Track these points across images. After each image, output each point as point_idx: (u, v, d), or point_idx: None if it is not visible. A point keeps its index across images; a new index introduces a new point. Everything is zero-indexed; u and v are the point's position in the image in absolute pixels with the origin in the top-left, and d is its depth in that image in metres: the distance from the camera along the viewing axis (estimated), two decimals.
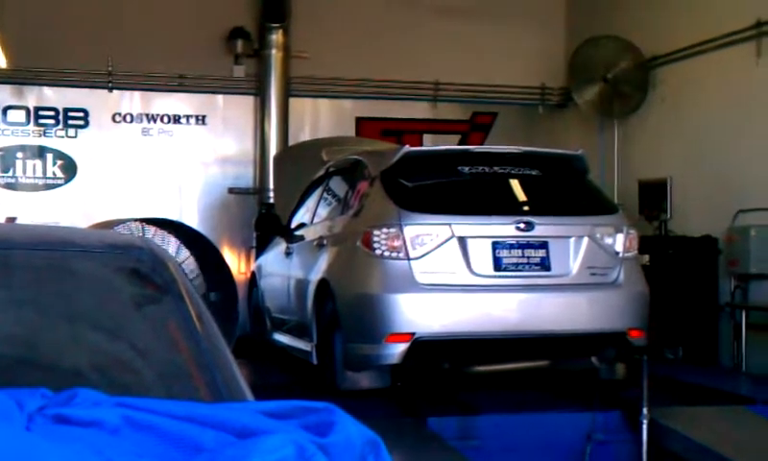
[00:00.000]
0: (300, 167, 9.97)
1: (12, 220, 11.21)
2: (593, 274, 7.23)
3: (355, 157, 8.28)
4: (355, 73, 13.17)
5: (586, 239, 7.22)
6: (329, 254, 7.62)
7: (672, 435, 6.70)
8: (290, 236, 8.87)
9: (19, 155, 12.80)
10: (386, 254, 6.94)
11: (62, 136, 12.88)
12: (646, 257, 8.40)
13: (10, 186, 12.74)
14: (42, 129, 12.85)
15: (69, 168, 12.86)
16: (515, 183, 7.54)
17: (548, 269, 7.13)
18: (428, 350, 6.92)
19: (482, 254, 7.01)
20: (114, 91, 12.97)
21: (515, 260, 7.08)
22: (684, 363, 9.90)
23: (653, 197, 11.01)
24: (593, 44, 12.17)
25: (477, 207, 7.28)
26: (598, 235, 7.29)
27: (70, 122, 12.89)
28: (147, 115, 13.10)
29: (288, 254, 8.82)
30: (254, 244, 12.10)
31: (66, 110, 12.89)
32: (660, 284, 8.64)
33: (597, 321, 7.23)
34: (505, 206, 7.36)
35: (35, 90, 12.87)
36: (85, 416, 1.69)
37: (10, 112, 12.81)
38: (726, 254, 10.16)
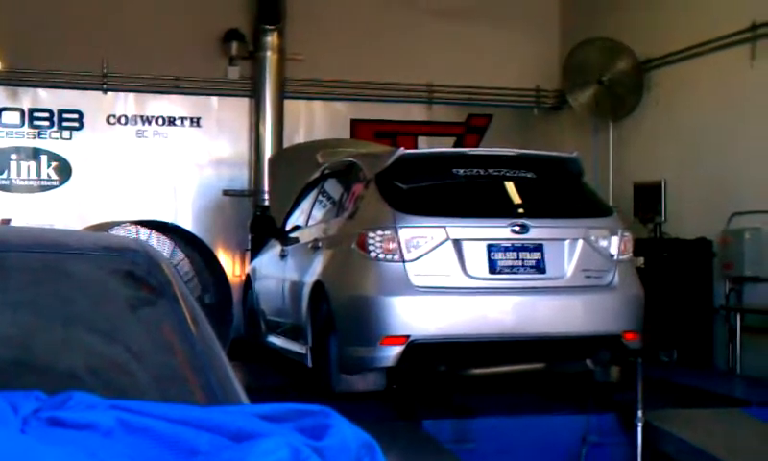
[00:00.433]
0: (294, 169, 9.97)
1: (6, 222, 11.20)
2: (588, 276, 7.23)
3: (350, 159, 8.28)
4: (350, 75, 13.17)
5: (580, 242, 7.22)
6: (324, 257, 7.61)
7: (667, 437, 6.71)
8: (285, 239, 8.87)
9: (14, 156, 12.78)
10: (381, 256, 6.93)
11: (57, 138, 12.86)
12: (641, 260, 8.40)
13: (4, 188, 12.72)
14: (37, 130, 12.83)
15: (64, 170, 12.85)
16: (509, 186, 7.54)
17: (543, 271, 7.14)
18: (423, 352, 6.92)
19: (477, 257, 7.01)
20: (109, 93, 12.95)
21: (509, 263, 7.08)
22: (679, 366, 9.89)
23: (647, 199, 11.02)
24: (588, 47, 12.19)
25: (472, 210, 7.28)
26: (593, 238, 7.29)
27: (65, 124, 12.87)
28: (141, 117, 13.09)
29: (283, 256, 8.81)
30: (249, 246, 12.10)
31: (61, 112, 12.88)
32: (654, 287, 8.65)
33: (592, 323, 7.23)
34: (500, 209, 7.36)
35: (29, 92, 12.85)
36: (80, 419, 1.69)
37: (4, 114, 12.78)
38: (720, 257, 10.18)
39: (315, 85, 13.23)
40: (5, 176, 12.74)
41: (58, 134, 12.86)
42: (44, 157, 12.82)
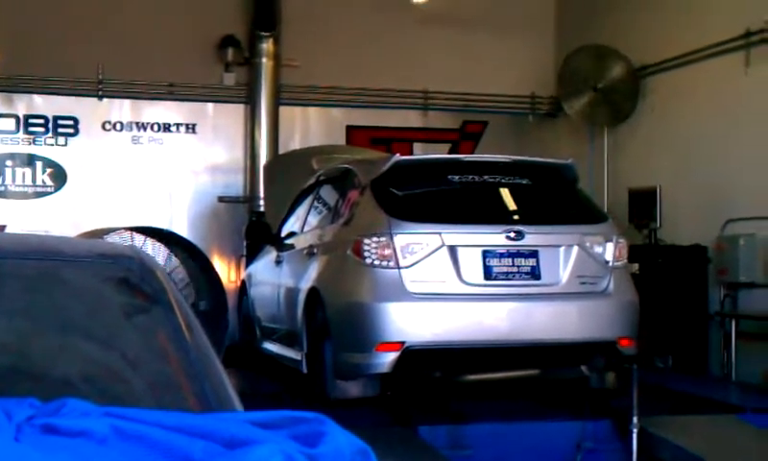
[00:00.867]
0: (290, 176, 9.97)
1: (1, 228, 11.18)
2: (583, 283, 7.24)
3: (345, 165, 8.28)
4: (346, 81, 13.18)
5: (575, 248, 7.23)
6: (319, 263, 7.61)
7: (662, 444, 6.71)
8: (280, 245, 8.87)
9: (9, 163, 12.77)
10: (376, 262, 6.93)
11: (52, 144, 12.85)
12: (636, 266, 8.42)
13: None
14: (32, 137, 12.82)
15: (59, 176, 12.84)
16: (505, 192, 7.54)
17: (538, 278, 7.14)
18: (419, 358, 6.92)
19: (472, 263, 7.01)
20: (104, 99, 12.96)
21: (505, 269, 7.09)
22: (674, 372, 9.92)
23: (642, 206, 11.04)
24: (583, 53, 12.21)
25: (467, 216, 7.29)
26: (588, 244, 7.30)
27: (60, 130, 12.87)
28: (137, 123, 13.09)
29: (278, 262, 8.81)
30: (244, 252, 12.09)
31: (56, 118, 12.87)
32: (649, 293, 8.66)
33: (587, 330, 7.24)
34: (495, 215, 7.37)
35: (24, 98, 12.85)
36: (74, 426, 1.68)
37: None
38: (715, 263, 10.19)
39: (310, 92, 13.25)
40: (0, 182, 12.72)
41: (53, 141, 12.86)
42: (39, 164, 12.82)
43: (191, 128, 13.24)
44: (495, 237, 7.10)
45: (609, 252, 7.34)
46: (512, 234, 7.09)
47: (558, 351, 7.27)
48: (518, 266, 7.12)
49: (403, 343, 6.83)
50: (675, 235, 10.69)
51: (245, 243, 12.01)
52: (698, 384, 9.12)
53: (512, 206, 7.51)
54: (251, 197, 12.94)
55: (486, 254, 7.06)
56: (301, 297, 7.73)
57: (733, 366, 9.68)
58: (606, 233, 7.44)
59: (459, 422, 6.89)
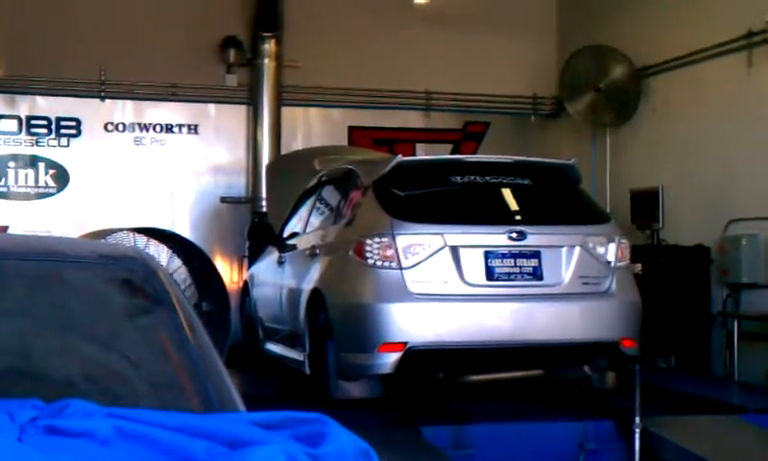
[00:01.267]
0: (292, 176, 9.97)
1: (3, 229, 11.20)
2: (585, 283, 7.23)
3: (348, 166, 8.28)
4: (347, 82, 13.19)
5: (578, 249, 7.22)
6: (322, 264, 7.61)
7: (664, 444, 6.71)
8: (282, 246, 8.87)
9: (11, 164, 12.79)
10: (378, 263, 6.93)
11: (55, 146, 12.87)
12: (638, 267, 8.41)
13: (2, 195, 12.73)
14: (35, 138, 12.84)
15: (61, 177, 12.85)
16: (507, 193, 7.54)
17: (540, 278, 7.13)
18: (421, 359, 6.91)
19: (474, 264, 7.00)
20: (107, 100, 12.97)
21: (507, 270, 7.08)
22: (677, 372, 9.91)
23: (645, 206, 11.04)
24: (585, 54, 12.21)
25: (469, 217, 7.29)
26: (590, 245, 7.29)
27: (62, 131, 12.88)
28: (139, 124, 13.10)
29: (281, 263, 8.81)
30: (247, 253, 12.10)
31: (59, 120, 12.88)
32: (652, 293, 8.65)
33: (589, 330, 7.23)
34: (497, 216, 7.36)
35: (27, 99, 12.86)
36: (77, 427, 1.69)
37: (2, 122, 12.80)
38: (717, 264, 10.19)
39: (312, 93, 13.25)
40: (2, 183, 12.74)
41: (55, 142, 12.87)
42: (42, 165, 12.83)
43: (193, 129, 13.25)
44: (498, 238, 7.10)
45: (611, 252, 7.33)
46: (514, 235, 7.09)
47: (560, 351, 7.27)
48: (521, 267, 7.11)
49: (406, 343, 6.82)
50: (677, 236, 10.69)
51: (247, 244, 12.02)
52: (700, 384, 9.11)
53: (514, 206, 7.51)
54: (253, 198, 12.94)
55: (488, 255, 7.06)
56: (304, 297, 7.73)
57: (736, 366, 9.67)
58: (608, 234, 7.43)
59: (462, 422, 6.89)
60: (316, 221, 8.49)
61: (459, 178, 7.43)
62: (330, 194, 8.49)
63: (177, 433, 1.69)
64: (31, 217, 12.49)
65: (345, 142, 13.30)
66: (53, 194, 12.84)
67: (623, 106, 12.04)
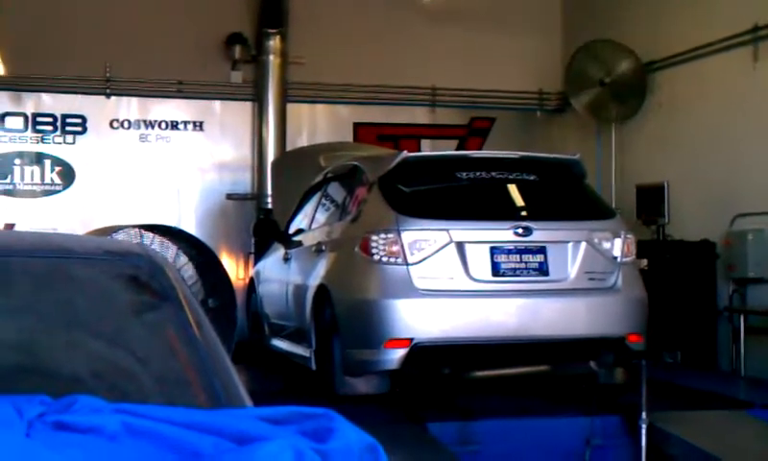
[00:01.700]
0: (297, 173, 9.97)
1: (10, 227, 11.22)
2: (591, 278, 7.22)
3: (353, 162, 8.28)
4: (353, 78, 13.18)
5: (584, 244, 7.22)
6: (328, 260, 7.62)
7: (671, 439, 6.70)
8: (288, 242, 8.88)
9: (17, 161, 12.81)
10: (384, 259, 6.94)
11: (60, 143, 12.88)
12: (644, 262, 8.39)
13: (8, 193, 12.75)
14: (40, 135, 12.86)
15: (67, 174, 12.87)
16: (512, 188, 7.54)
17: (546, 274, 7.13)
18: (427, 355, 6.92)
19: (480, 260, 7.00)
20: (112, 97, 12.98)
21: (513, 265, 7.08)
22: (683, 367, 9.90)
23: (650, 201, 11.01)
24: (590, 49, 12.19)
25: (475, 213, 7.28)
26: (596, 240, 7.29)
27: (68, 128, 12.90)
28: (144, 121, 13.11)
29: (286, 259, 8.82)
30: (253, 250, 12.11)
31: (64, 117, 12.90)
32: (658, 289, 8.64)
33: (596, 326, 7.22)
34: (503, 212, 7.36)
35: (32, 97, 12.88)
36: (85, 422, 1.69)
37: (8, 119, 12.81)
38: (724, 259, 10.17)
39: (318, 89, 13.24)
40: (8, 180, 12.76)
41: (61, 139, 12.88)
42: (48, 162, 12.85)
43: (199, 125, 13.25)
44: (503, 233, 7.10)
45: (617, 247, 7.32)
46: (520, 230, 7.09)
47: (566, 346, 7.27)
48: (526, 262, 7.11)
49: (411, 339, 6.83)
50: (683, 231, 10.67)
51: (253, 240, 12.02)
52: (707, 380, 9.10)
53: (519, 202, 7.50)
54: (258, 194, 12.95)
55: (494, 251, 7.05)
56: (310, 294, 7.74)
57: (742, 361, 9.66)
58: (614, 229, 7.42)
59: (468, 418, 6.89)
60: (321, 217, 8.49)
61: (464, 173, 7.43)
62: (336, 190, 8.50)
63: (184, 429, 1.69)
64: (37, 214, 12.51)
65: (350, 138, 13.29)
66: (59, 191, 12.86)
67: (629, 101, 12.02)
